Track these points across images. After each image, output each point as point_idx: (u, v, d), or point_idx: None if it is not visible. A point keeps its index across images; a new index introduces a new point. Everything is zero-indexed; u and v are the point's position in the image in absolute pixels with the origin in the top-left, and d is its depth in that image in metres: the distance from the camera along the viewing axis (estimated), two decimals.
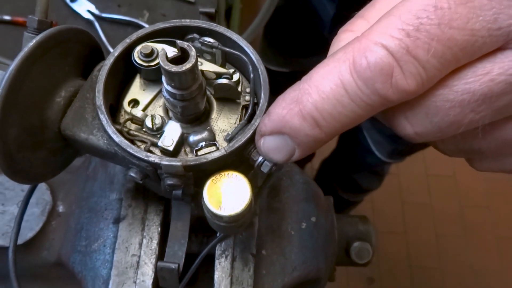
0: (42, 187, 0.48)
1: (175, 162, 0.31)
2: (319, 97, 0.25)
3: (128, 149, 0.31)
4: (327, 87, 0.24)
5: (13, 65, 0.29)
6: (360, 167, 1.48)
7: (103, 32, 0.88)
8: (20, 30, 0.88)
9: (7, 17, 0.88)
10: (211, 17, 0.44)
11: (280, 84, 0.45)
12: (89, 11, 0.90)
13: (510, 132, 0.25)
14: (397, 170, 2.05)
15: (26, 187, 0.45)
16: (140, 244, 0.41)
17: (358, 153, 1.40)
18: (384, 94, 0.23)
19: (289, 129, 0.27)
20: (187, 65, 0.29)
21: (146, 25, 0.89)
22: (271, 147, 0.29)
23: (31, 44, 0.29)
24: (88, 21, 0.90)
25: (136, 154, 0.31)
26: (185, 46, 0.30)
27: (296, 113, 0.26)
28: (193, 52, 0.30)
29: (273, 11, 0.82)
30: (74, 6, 0.91)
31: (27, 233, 0.46)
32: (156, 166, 0.32)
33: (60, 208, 0.48)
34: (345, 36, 0.29)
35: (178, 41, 0.30)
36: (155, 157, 0.31)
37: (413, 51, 0.22)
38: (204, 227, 0.46)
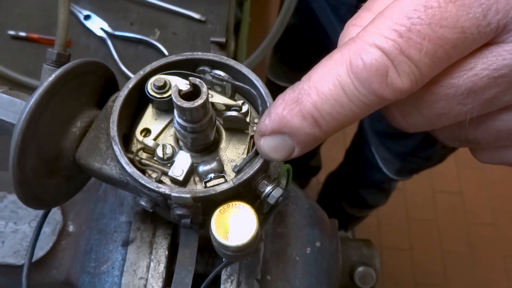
0: None
1: (184, 194, 0.32)
2: (319, 98, 0.25)
3: (139, 180, 0.32)
4: (326, 88, 0.25)
5: (33, 99, 0.30)
6: (367, 183, 1.48)
7: (115, 49, 0.90)
8: (35, 47, 0.91)
9: (22, 34, 0.91)
10: (221, 46, 0.46)
11: None
12: (102, 28, 0.92)
13: (502, 123, 0.26)
14: (403, 186, 2.05)
15: None
16: (148, 267, 0.42)
17: (366, 170, 1.40)
18: (380, 93, 0.24)
19: (289, 129, 0.27)
20: (199, 101, 0.31)
21: (157, 43, 0.91)
22: (270, 147, 0.30)
23: (50, 79, 0.30)
24: (100, 38, 0.92)
25: (147, 184, 0.32)
26: (197, 82, 0.31)
27: (296, 113, 0.27)
28: (204, 89, 0.31)
29: (283, 30, 0.83)
30: (88, 23, 0.93)
31: (37, 252, 0.47)
32: (166, 196, 0.33)
33: (71, 228, 0.49)
34: (352, 30, 0.29)
35: (191, 78, 0.32)
36: (165, 188, 0.32)
37: (406, 51, 0.23)
38: (210, 248, 0.47)
